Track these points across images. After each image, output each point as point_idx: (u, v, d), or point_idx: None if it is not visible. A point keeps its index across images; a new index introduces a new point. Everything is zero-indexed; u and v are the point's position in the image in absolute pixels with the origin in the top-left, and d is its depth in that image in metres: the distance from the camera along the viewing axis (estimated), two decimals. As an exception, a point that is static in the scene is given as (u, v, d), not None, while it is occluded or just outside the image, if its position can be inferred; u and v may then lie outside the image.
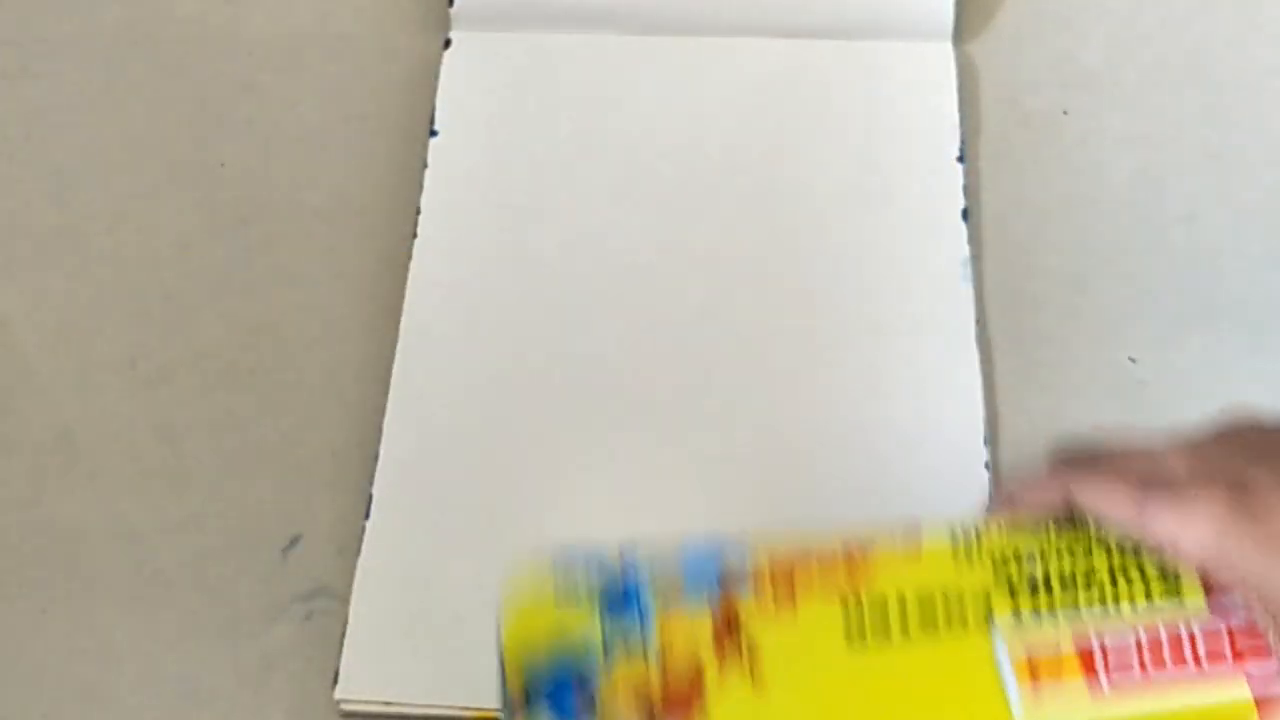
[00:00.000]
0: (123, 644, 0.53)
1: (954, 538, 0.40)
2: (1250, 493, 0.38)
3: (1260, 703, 0.37)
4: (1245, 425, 0.41)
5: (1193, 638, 0.38)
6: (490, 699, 0.49)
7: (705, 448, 0.55)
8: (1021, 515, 0.40)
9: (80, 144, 0.65)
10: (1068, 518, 0.40)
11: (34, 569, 0.55)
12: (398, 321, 0.58)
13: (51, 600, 0.54)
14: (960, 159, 0.61)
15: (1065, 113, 0.64)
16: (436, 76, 0.64)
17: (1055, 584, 0.39)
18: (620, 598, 0.38)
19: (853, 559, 0.39)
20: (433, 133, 0.63)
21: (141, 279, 0.61)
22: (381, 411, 0.56)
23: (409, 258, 0.60)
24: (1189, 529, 0.38)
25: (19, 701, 0.52)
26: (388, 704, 0.51)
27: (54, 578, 0.54)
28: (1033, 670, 0.37)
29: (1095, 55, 0.65)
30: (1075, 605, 0.38)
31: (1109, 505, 0.40)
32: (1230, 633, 0.38)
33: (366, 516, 0.54)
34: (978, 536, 0.39)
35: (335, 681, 0.51)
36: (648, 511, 0.54)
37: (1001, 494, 0.43)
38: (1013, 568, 0.39)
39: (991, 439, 0.55)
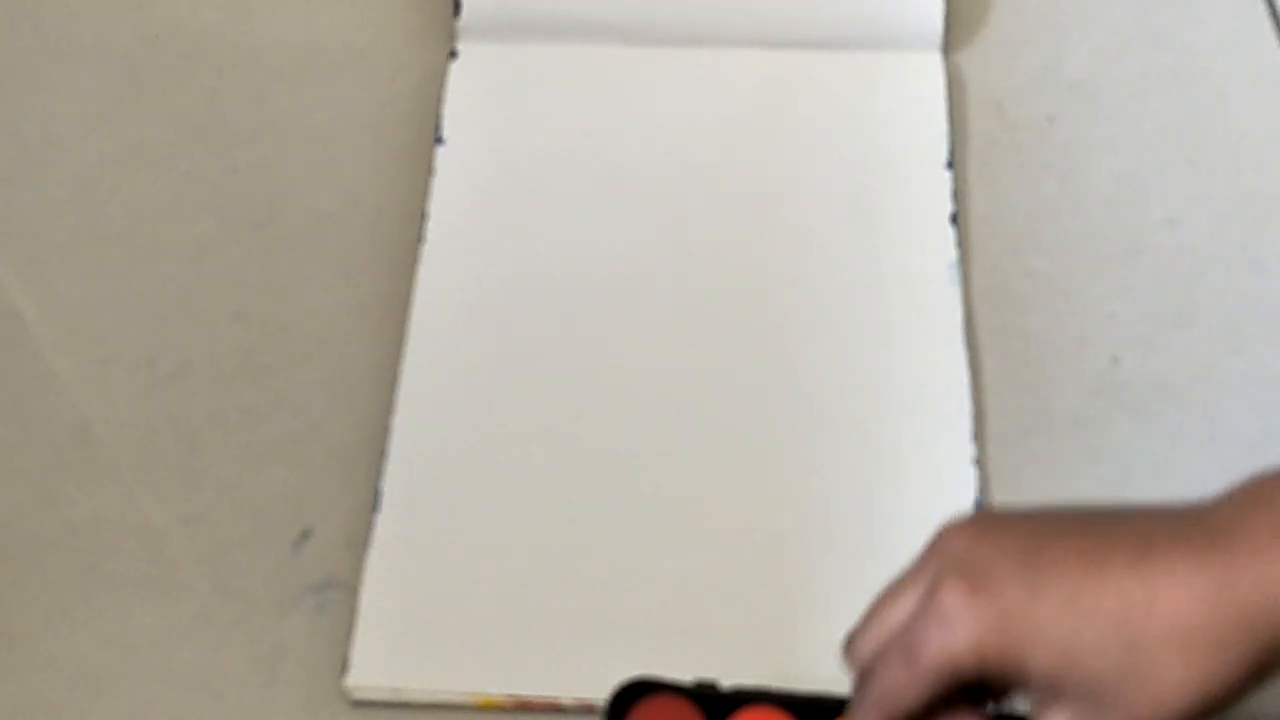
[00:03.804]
0: (138, 634, 0.53)
1: None
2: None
3: None
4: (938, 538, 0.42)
5: None
6: (495, 685, 0.51)
7: (699, 444, 0.56)
8: None
9: (99, 150, 0.65)
10: None
11: (52, 561, 0.55)
12: (406, 323, 0.59)
13: (69, 592, 0.54)
14: (948, 166, 0.62)
15: (1050, 120, 0.64)
16: (443, 87, 0.65)
17: None
18: None
19: None
20: (439, 141, 0.63)
21: (158, 280, 0.61)
22: (390, 410, 0.57)
23: (417, 261, 0.60)
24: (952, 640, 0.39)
25: (37, 690, 0.52)
26: (396, 691, 0.51)
27: (71, 570, 0.54)
28: None
29: (1079, 65, 0.66)
30: None
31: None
32: None
33: (375, 511, 0.54)
34: None
35: (345, 670, 0.51)
36: (648, 506, 0.55)
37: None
38: None
39: (978, 435, 0.56)
